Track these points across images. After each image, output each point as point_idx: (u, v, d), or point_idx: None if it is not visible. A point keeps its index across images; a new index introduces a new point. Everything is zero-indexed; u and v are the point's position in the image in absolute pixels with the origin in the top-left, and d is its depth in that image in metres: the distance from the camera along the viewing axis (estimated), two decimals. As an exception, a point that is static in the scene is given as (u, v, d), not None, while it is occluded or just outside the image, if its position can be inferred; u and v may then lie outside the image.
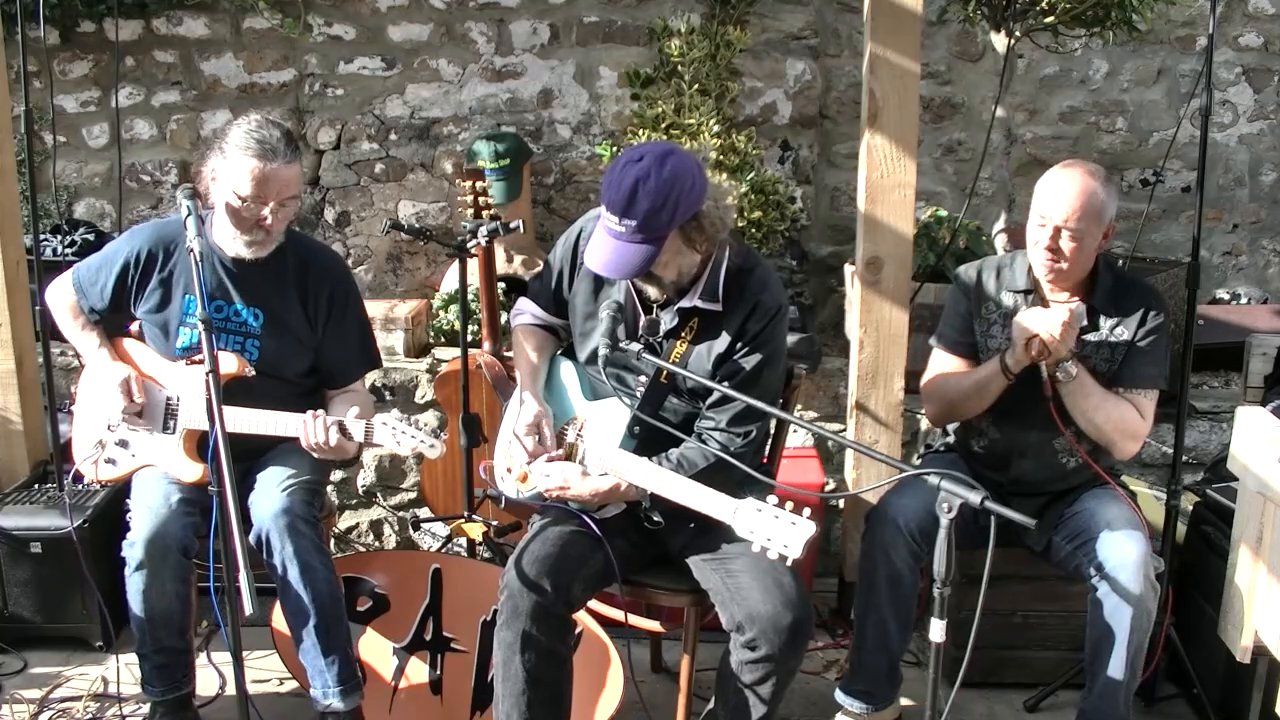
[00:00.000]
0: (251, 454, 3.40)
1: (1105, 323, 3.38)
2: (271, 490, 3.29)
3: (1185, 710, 3.74)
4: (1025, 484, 3.51)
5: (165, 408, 3.42)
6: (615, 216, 2.86)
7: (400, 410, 3.23)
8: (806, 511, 2.61)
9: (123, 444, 3.43)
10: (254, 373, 3.34)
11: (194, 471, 3.33)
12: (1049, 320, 3.21)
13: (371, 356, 3.67)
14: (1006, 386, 3.33)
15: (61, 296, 3.54)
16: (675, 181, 2.84)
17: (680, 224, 2.90)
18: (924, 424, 4.66)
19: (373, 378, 4.77)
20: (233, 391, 3.23)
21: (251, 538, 3.23)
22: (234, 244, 3.34)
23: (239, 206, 3.25)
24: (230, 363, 3.29)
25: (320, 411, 3.25)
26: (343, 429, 3.22)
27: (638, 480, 2.96)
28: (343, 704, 3.30)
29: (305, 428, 3.22)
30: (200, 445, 3.36)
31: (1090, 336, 3.35)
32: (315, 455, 3.28)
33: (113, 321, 3.53)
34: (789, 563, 2.62)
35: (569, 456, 3.16)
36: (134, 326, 3.56)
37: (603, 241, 2.93)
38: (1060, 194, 3.24)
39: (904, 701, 3.67)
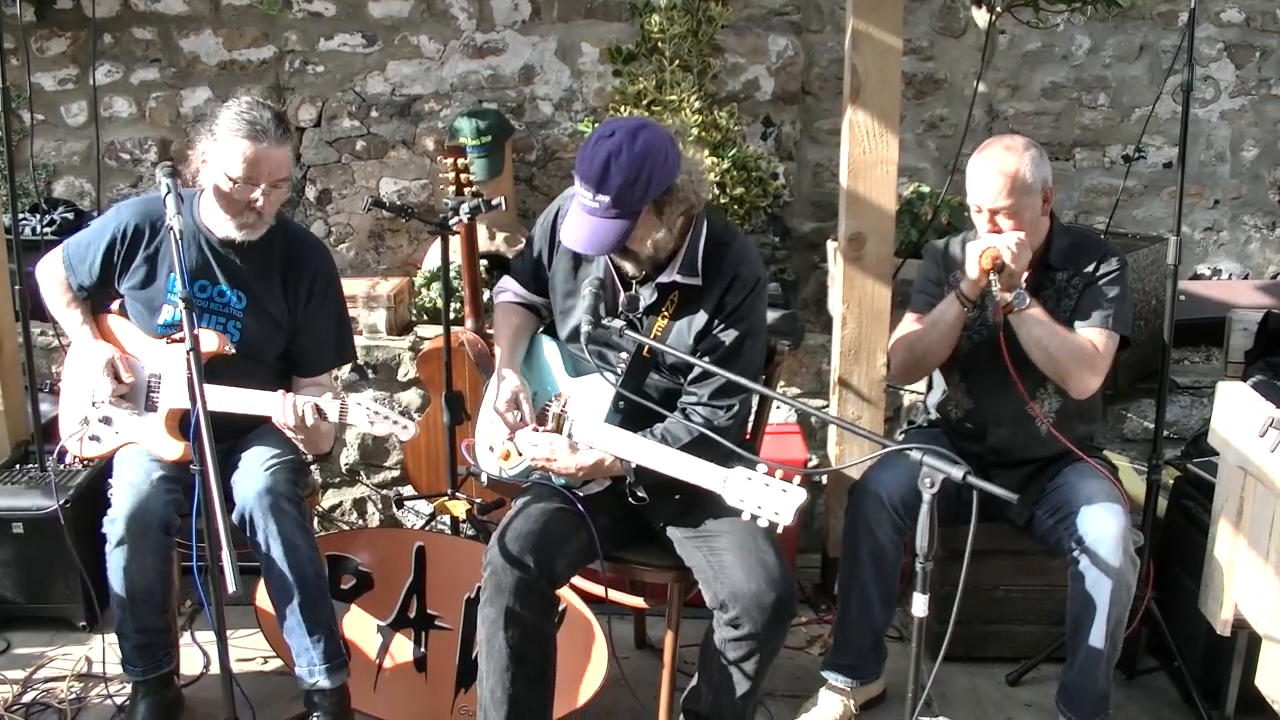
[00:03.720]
0: (235, 433, 3.39)
1: (1060, 275, 3.43)
2: (255, 469, 3.29)
3: (1166, 683, 3.77)
4: (1004, 453, 3.53)
5: (147, 386, 3.41)
6: (589, 192, 2.86)
7: (382, 388, 3.22)
8: (796, 479, 2.62)
9: (106, 421, 3.41)
10: (234, 350, 3.33)
11: (176, 450, 3.33)
12: (1004, 236, 3.27)
13: (345, 351, 3.66)
14: (963, 317, 3.38)
15: (51, 272, 3.52)
16: (648, 156, 2.84)
17: (654, 198, 2.89)
18: (906, 400, 4.67)
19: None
20: (212, 370, 3.21)
21: (235, 517, 3.22)
22: (225, 226, 3.32)
23: (230, 189, 3.24)
24: (210, 340, 3.28)
25: (291, 394, 3.24)
26: (318, 410, 3.21)
27: (625, 454, 2.95)
28: (328, 681, 3.30)
29: (280, 405, 3.21)
30: (182, 423, 3.35)
31: (1045, 291, 3.38)
32: (290, 435, 3.27)
33: (98, 297, 3.52)
34: (779, 530, 2.63)
35: (555, 432, 3.16)
36: (115, 304, 3.54)
37: (577, 218, 2.93)
38: (984, 180, 3.30)
39: (887, 676, 3.68)
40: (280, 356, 3.52)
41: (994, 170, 3.28)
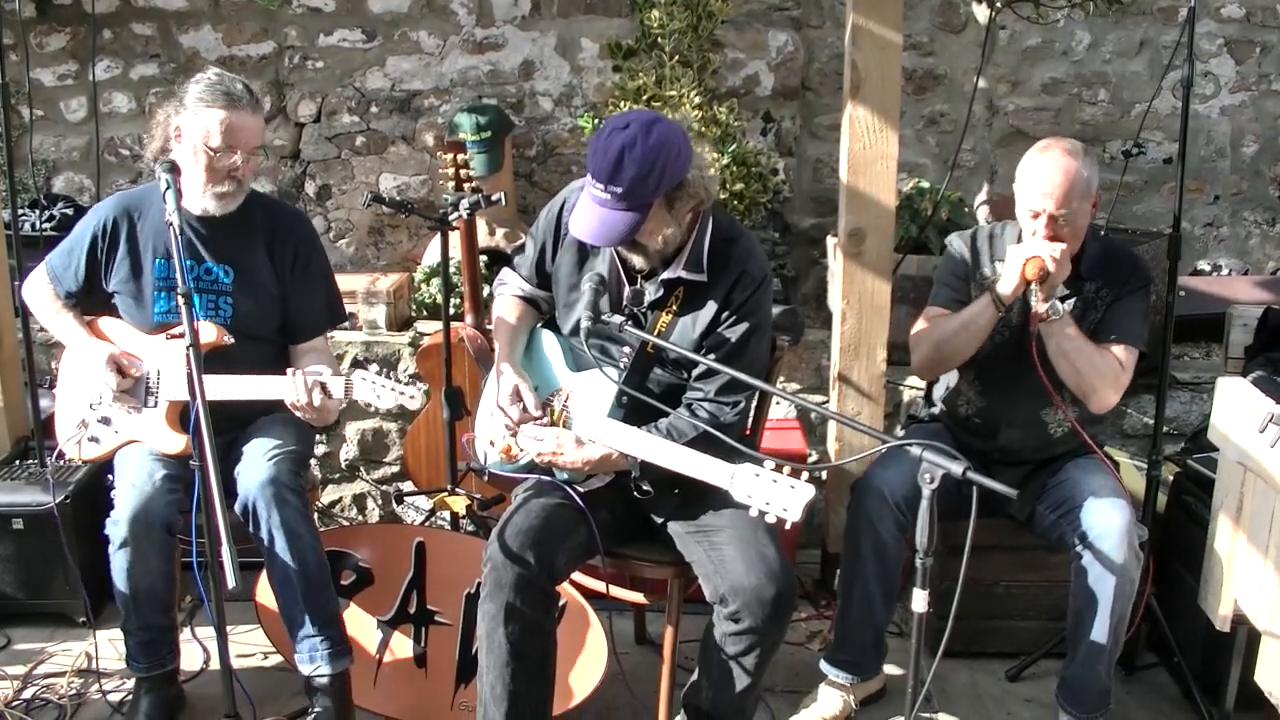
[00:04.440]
0: (236, 425, 3.39)
1: (1088, 286, 3.41)
2: (258, 460, 3.29)
3: (1165, 679, 3.77)
4: (1011, 453, 3.53)
5: (145, 381, 3.41)
6: (600, 184, 2.85)
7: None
8: (804, 475, 2.62)
9: (105, 421, 3.41)
10: (232, 340, 3.33)
11: (177, 443, 3.32)
12: (1048, 245, 3.22)
13: (336, 311, 3.67)
14: (995, 321, 3.34)
15: (39, 289, 3.52)
16: (661, 149, 2.83)
17: (665, 192, 2.89)
18: (906, 395, 4.67)
19: (355, 352, 4.76)
20: (211, 360, 3.23)
21: (237, 508, 3.23)
22: (203, 199, 3.33)
23: (211, 158, 3.25)
24: (209, 332, 3.28)
25: (299, 371, 3.24)
26: (324, 388, 3.21)
27: (630, 449, 2.95)
28: (330, 667, 3.29)
29: (292, 385, 3.21)
30: (183, 416, 3.34)
31: (1072, 301, 3.36)
32: (297, 415, 3.27)
33: (87, 304, 3.50)
34: (789, 525, 2.62)
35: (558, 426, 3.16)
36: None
37: (588, 209, 2.92)
38: (1046, 182, 3.23)
39: (887, 670, 3.68)
40: (278, 331, 3.52)
41: (1058, 173, 3.22)
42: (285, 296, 3.50)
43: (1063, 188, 3.22)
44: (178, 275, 2.81)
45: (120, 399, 3.38)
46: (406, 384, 3.18)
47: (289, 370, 3.24)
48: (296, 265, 3.50)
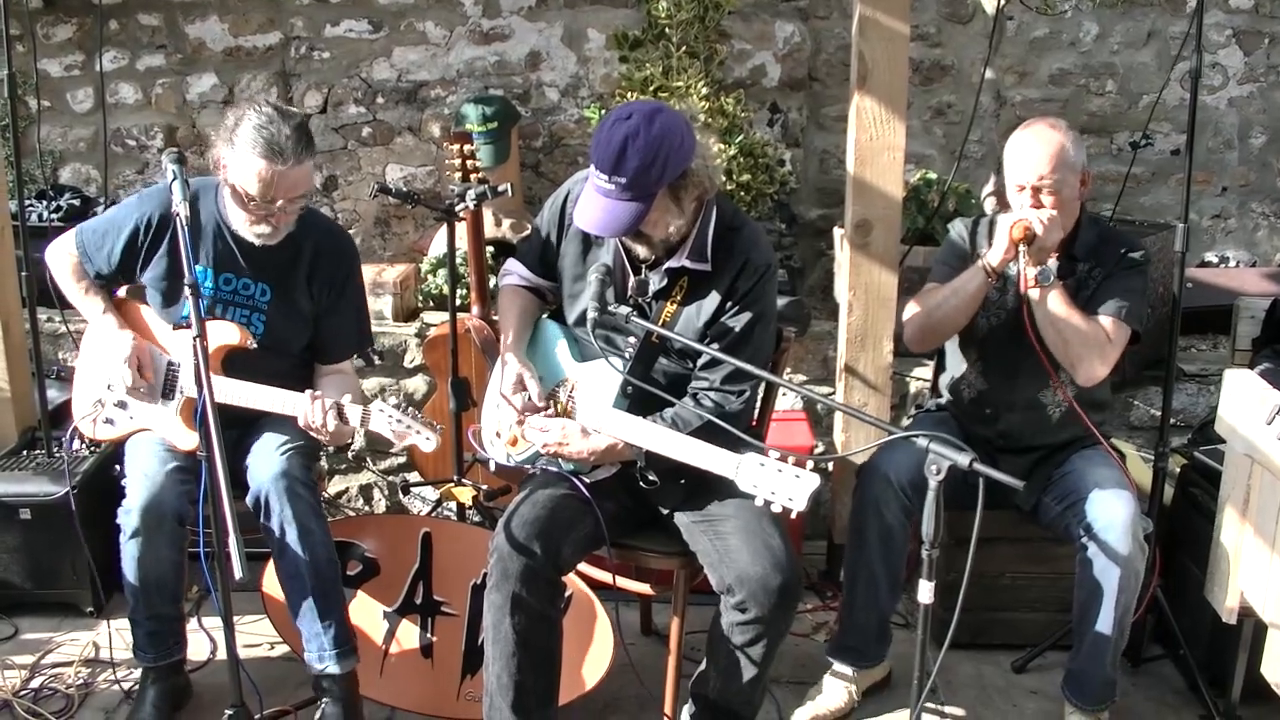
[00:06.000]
0: (247, 420, 3.38)
1: (1081, 267, 3.43)
2: (270, 453, 3.29)
3: (1171, 671, 3.77)
4: (1013, 438, 3.53)
5: (167, 374, 3.41)
6: (604, 174, 2.85)
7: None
8: (810, 464, 2.61)
9: (121, 405, 3.41)
10: (255, 345, 3.32)
11: (191, 440, 3.31)
12: (1035, 211, 3.27)
13: (364, 338, 3.67)
14: (985, 288, 3.36)
15: (63, 258, 3.48)
16: (664, 139, 2.83)
17: (669, 182, 2.89)
18: (913, 387, 4.67)
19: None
20: (233, 363, 3.24)
21: (249, 500, 3.24)
22: (243, 227, 3.30)
23: (246, 203, 3.22)
24: (232, 333, 3.29)
25: (319, 394, 3.22)
26: (340, 413, 3.21)
27: (635, 439, 2.95)
28: (338, 667, 3.30)
29: (309, 408, 3.20)
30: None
31: (1065, 281, 3.37)
32: (310, 434, 3.27)
33: (114, 282, 3.49)
34: (794, 515, 2.62)
35: (563, 417, 3.16)
36: (123, 290, 3.53)
37: (592, 200, 2.91)
38: (1028, 154, 3.30)
39: (892, 661, 3.68)
40: (304, 349, 3.52)
41: (1039, 143, 3.29)
42: (318, 319, 3.49)
43: (1045, 156, 3.27)
44: (184, 266, 2.80)
45: (134, 394, 3.38)
46: (424, 424, 3.17)
47: (308, 392, 3.22)
48: (333, 292, 3.49)
